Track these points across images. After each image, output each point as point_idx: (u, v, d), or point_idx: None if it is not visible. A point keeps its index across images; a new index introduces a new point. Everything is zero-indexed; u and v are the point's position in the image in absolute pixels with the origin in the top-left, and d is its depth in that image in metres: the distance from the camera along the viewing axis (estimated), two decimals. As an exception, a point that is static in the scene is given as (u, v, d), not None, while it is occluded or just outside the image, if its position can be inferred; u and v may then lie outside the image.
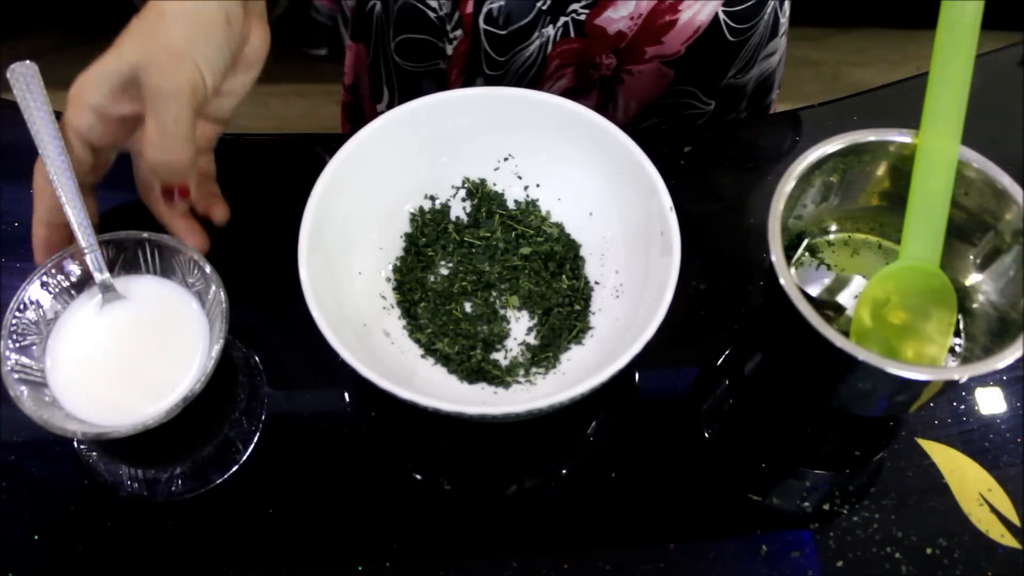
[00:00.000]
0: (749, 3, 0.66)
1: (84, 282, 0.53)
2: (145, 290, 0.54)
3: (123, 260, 0.54)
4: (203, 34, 0.48)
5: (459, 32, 0.66)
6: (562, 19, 0.65)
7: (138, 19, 0.49)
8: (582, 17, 0.65)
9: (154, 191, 0.53)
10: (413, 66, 0.70)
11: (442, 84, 0.71)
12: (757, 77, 0.73)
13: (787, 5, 0.71)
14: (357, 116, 0.82)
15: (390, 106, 0.75)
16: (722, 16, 0.66)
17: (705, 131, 0.67)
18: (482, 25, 0.64)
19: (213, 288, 0.52)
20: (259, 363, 0.56)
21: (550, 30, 0.65)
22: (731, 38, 0.67)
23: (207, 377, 0.49)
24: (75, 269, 0.53)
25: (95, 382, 0.51)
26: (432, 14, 0.65)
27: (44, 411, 0.48)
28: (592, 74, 0.69)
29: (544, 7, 0.64)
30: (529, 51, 0.67)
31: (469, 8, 0.64)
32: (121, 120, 0.50)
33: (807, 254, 0.56)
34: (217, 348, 0.50)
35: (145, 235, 0.53)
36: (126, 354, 0.52)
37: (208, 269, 0.52)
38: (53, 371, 0.51)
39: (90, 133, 0.50)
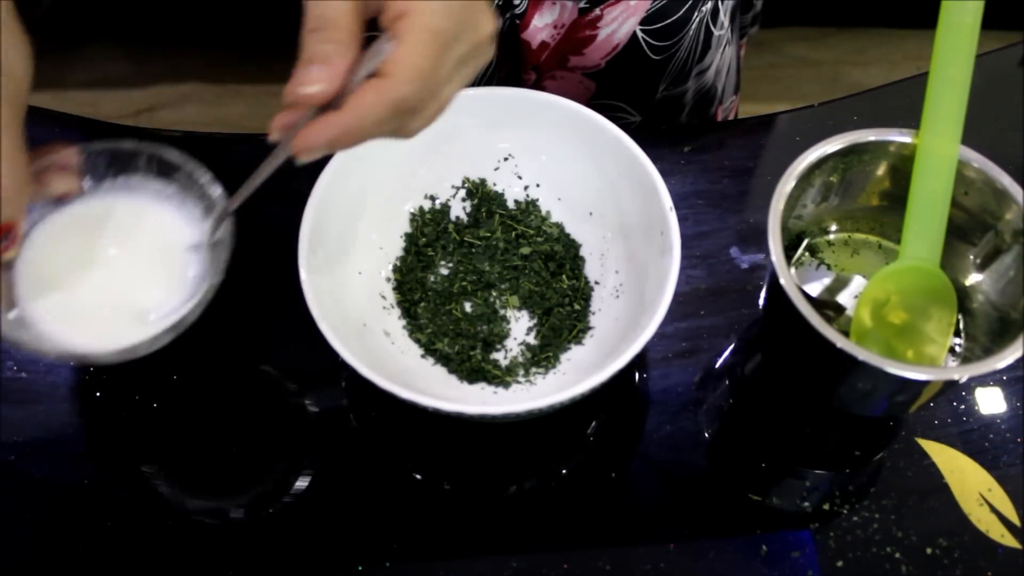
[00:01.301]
0: (669, 22, 0.66)
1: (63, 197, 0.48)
2: (136, 207, 0.49)
3: (115, 172, 0.49)
4: (14, 50, 0.42)
5: None
6: (508, 14, 0.65)
7: None
8: (516, 22, 0.66)
9: None
10: None
11: None
12: (695, 89, 0.73)
13: (724, 19, 0.71)
14: None
15: None
16: (640, 34, 0.66)
17: (705, 131, 0.67)
18: None
19: (217, 210, 0.47)
20: (259, 363, 0.56)
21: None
22: (653, 55, 0.68)
23: (200, 306, 0.45)
24: (55, 182, 0.47)
25: (75, 303, 0.46)
26: None
27: (15, 332, 0.44)
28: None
29: (500, 3, 0.64)
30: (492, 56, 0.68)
31: None
32: None
33: (807, 254, 0.56)
34: (216, 275, 0.45)
35: (143, 145, 0.48)
36: (109, 274, 0.48)
37: (216, 192, 0.47)
38: (27, 291, 0.46)
39: None
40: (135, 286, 0.48)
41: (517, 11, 0.65)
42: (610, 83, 0.70)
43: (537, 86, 0.71)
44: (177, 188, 0.49)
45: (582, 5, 0.65)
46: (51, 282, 0.47)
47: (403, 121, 0.40)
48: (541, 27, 0.66)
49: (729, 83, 0.78)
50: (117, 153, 0.48)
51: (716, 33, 0.70)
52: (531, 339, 0.56)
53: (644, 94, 0.71)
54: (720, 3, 0.69)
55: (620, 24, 0.65)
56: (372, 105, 0.39)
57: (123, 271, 0.48)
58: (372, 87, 0.39)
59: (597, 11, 0.65)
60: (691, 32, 0.68)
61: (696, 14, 0.67)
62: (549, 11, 0.65)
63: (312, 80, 0.38)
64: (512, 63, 0.70)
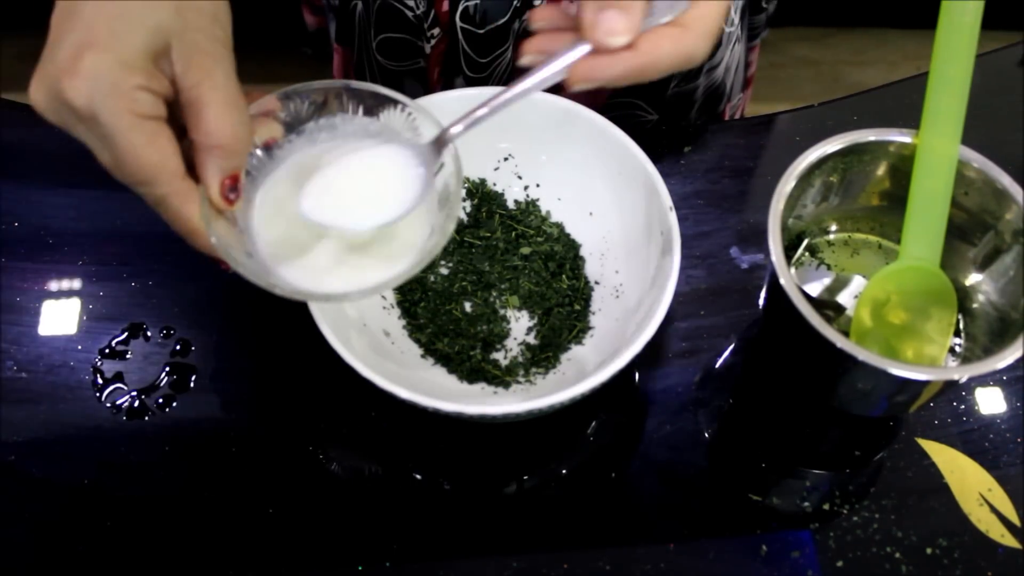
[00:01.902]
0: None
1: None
2: (348, 147, 0.47)
3: (316, 114, 0.47)
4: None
5: (437, 30, 0.66)
6: (526, 15, 0.65)
7: None
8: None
9: (191, 204, 0.40)
10: (395, 65, 0.70)
11: (424, 83, 0.71)
12: (706, 86, 0.73)
13: (735, 16, 0.71)
14: None
15: None
16: None
17: (705, 131, 0.67)
18: (459, 23, 0.65)
19: (436, 138, 0.45)
20: (259, 363, 0.56)
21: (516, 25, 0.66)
22: None
23: (442, 242, 0.43)
24: (260, 129, 0.44)
25: (310, 249, 0.45)
26: (409, 13, 0.66)
27: (265, 276, 0.42)
28: None
29: (519, 4, 0.64)
30: (509, 55, 0.67)
31: (445, 6, 0.64)
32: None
33: (807, 254, 0.56)
34: (454, 205, 0.43)
35: (341, 82, 0.46)
36: (339, 216, 0.45)
37: (426, 121, 0.45)
38: (261, 241, 0.44)
39: (158, 109, 0.39)
40: (369, 226, 0.45)
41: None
42: None
43: (556, 85, 0.71)
44: (383, 122, 0.47)
45: None
46: (283, 231, 0.45)
47: (679, 70, 0.43)
48: None
49: (737, 81, 0.78)
50: (316, 94, 0.46)
51: (727, 30, 0.70)
52: (531, 339, 0.56)
53: (656, 91, 0.71)
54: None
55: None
56: (667, 53, 0.41)
57: (353, 212, 0.45)
58: (669, 36, 0.41)
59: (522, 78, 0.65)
60: None
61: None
62: (567, 9, 0.65)
63: (617, 30, 0.40)
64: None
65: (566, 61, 0.41)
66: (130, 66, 0.37)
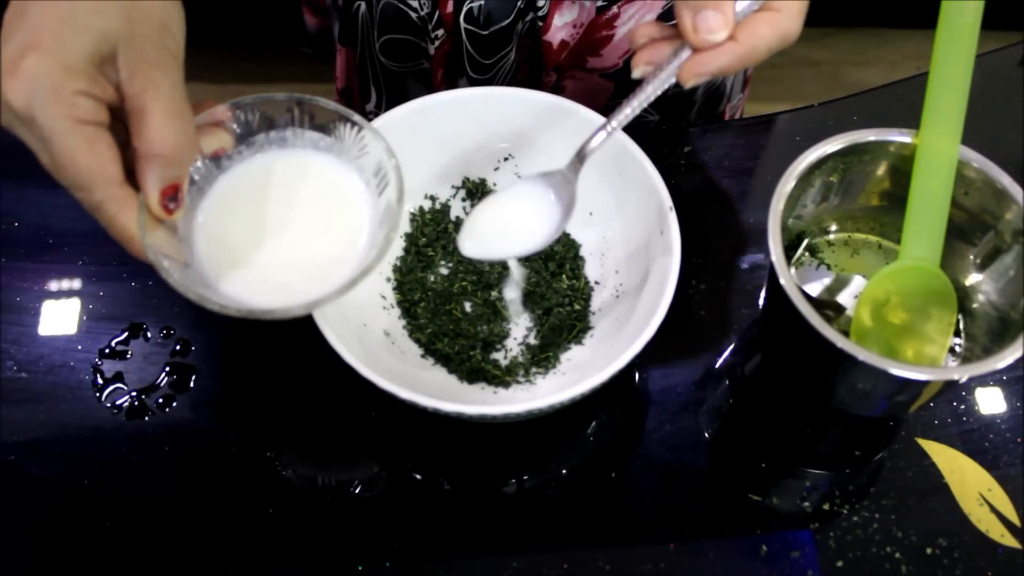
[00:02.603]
0: None
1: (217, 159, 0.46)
2: (296, 160, 0.47)
3: (268, 126, 0.47)
4: (172, 5, 0.42)
5: (441, 32, 0.66)
6: (530, 15, 0.66)
7: None
8: (539, 24, 0.66)
9: (128, 211, 0.40)
10: (398, 66, 0.70)
11: (427, 84, 0.71)
12: (706, 86, 0.73)
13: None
14: None
15: (378, 106, 0.75)
16: None
17: (705, 131, 0.67)
18: (463, 24, 0.65)
19: (381, 158, 0.45)
20: (259, 363, 0.56)
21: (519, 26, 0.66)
22: None
23: (381, 255, 0.43)
24: (208, 139, 0.45)
25: (250, 260, 0.45)
26: (413, 14, 0.66)
27: (198, 287, 0.42)
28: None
29: (522, 5, 0.64)
30: (513, 57, 0.68)
31: (449, 7, 0.64)
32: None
33: (807, 254, 0.56)
34: (393, 221, 0.43)
35: (294, 96, 0.46)
36: (281, 230, 0.46)
37: (374, 139, 0.46)
38: (200, 250, 0.44)
39: (99, 114, 0.39)
40: (309, 241, 0.46)
41: (540, 13, 0.65)
42: (628, 82, 0.70)
43: (557, 87, 0.71)
44: (333, 138, 0.47)
45: (600, 3, 0.65)
46: (224, 241, 0.45)
47: (779, 50, 0.46)
48: (561, 26, 0.66)
49: (737, 81, 0.79)
50: (268, 106, 0.46)
51: None
52: (531, 339, 0.56)
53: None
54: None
55: (638, 21, 0.66)
56: (764, 36, 0.44)
57: (294, 226, 0.46)
58: (765, 21, 0.44)
59: (614, 9, 0.65)
60: None
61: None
62: (569, 10, 0.65)
63: (716, 28, 0.43)
64: (532, 65, 0.70)
65: (676, 64, 0.45)
66: (72, 70, 0.37)
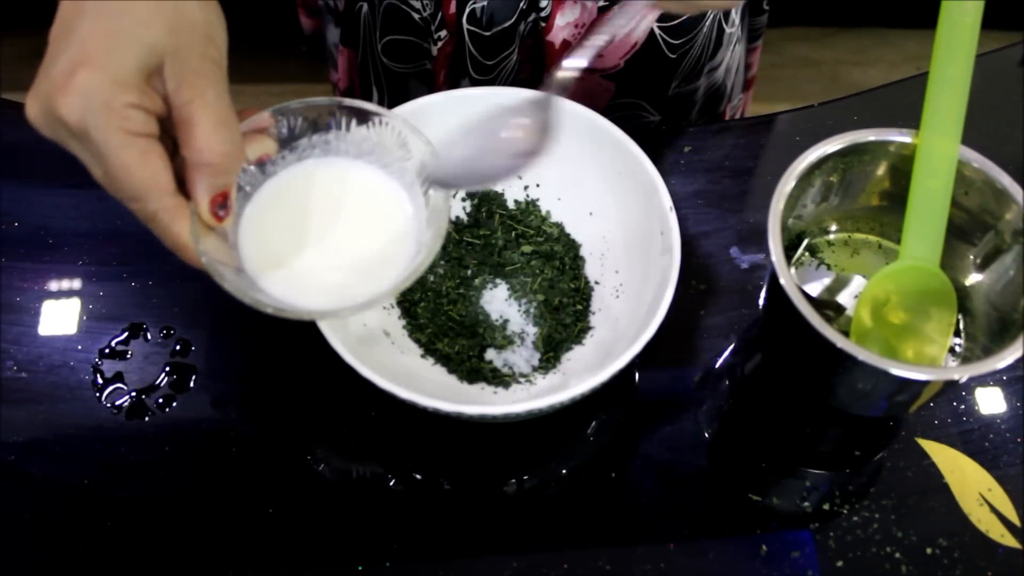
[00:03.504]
0: (684, 18, 0.66)
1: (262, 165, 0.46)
2: (339, 166, 0.48)
3: (311, 131, 0.47)
4: (215, 13, 0.42)
5: (443, 33, 0.66)
6: (532, 16, 0.66)
7: None
8: (541, 25, 0.66)
9: (181, 220, 0.40)
10: (400, 67, 0.70)
11: (430, 85, 0.71)
12: (706, 87, 0.73)
13: (735, 16, 0.71)
14: None
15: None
16: (658, 32, 0.67)
17: (705, 131, 0.67)
18: (465, 25, 0.65)
19: (425, 158, 0.45)
20: (259, 363, 0.56)
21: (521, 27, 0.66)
22: (669, 53, 0.68)
23: (428, 259, 0.43)
24: (253, 146, 0.45)
25: (297, 266, 0.45)
26: (416, 15, 0.66)
27: (252, 292, 0.42)
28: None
29: (525, 6, 0.64)
30: (515, 58, 0.68)
31: (452, 8, 0.64)
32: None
33: (807, 254, 0.56)
34: (441, 223, 0.43)
35: (336, 100, 0.47)
36: (326, 236, 0.46)
37: (416, 140, 0.46)
38: (250, 257, 0.45)
39: (149, 126, 0.39)
40: (353, 244, 0.46)
41: (542, 14, 0.65)
42: (629, 83, 0.70)
43: (562, 90, 0.71)
44: (376, 141, 0.48)
45: (601, 4, 0.65)
46: (269, 246, 0.45)
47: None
48: (563, 26, 0.66)
49: (738, 81, 0.79)
50: (310, 111, 0.47)
51: (728, 31, 0.70)
52: (531, 339, 0.56)
53: (658, 92, 0.71)
54: None
55: (638, 23, 0.66)
56: None
57: (338, 230, 0.47)
58: None
59: (615, 10, 0.65)
60: (705, 29, 0.68)
61: (710, 11, 0.67)
62: (571, 10, 0.65)
63: None
64: (534, 65, 0.70)
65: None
66: (122, 84, 0.38)
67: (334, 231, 0.46)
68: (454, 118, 0.57)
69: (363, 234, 0.47)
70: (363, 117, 0.47)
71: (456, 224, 0.60)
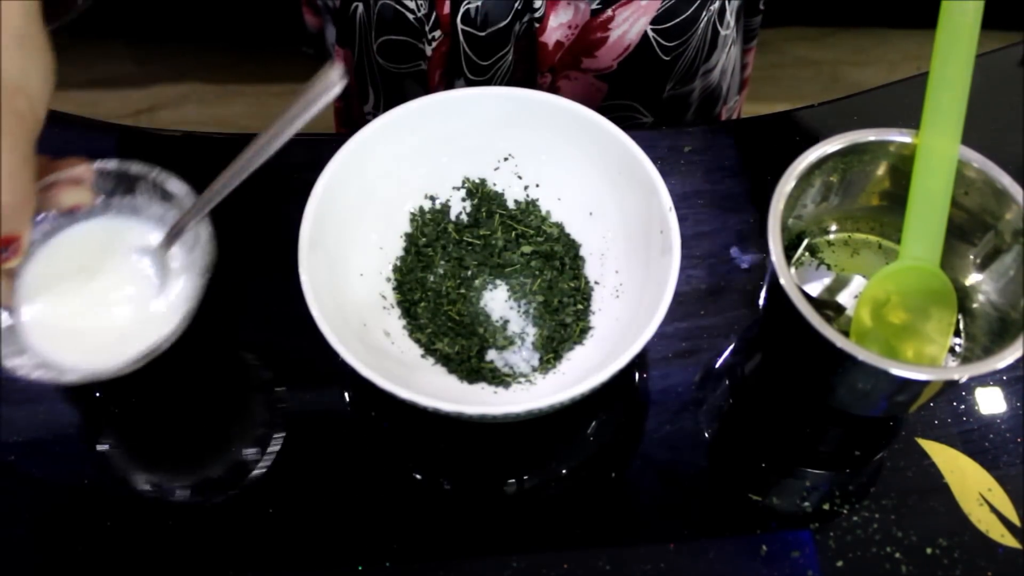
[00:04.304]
0: (678, 20, 0.67)
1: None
2: (134, 228, 0.51)
3: (123, 192, 0.50)
4: (32, 62, 0.43)
5: (438, 33, 0.66)
6: (526, 17, 0.66)
7: None
8: (535, 25, 0.66)
9: None
10: (395, 68, 0.71)
11: (425, 86, 0.71)
12: (702, 89, 0.73)
13: (730, 18, 0.71)
14: (350, 120, 0.82)
15: (376, 108, 0.75)
16: (651, 34, 0.67)
17: (705, 131, 0.67)
18: (460, 26, 0.65)
19: (191, 222, 0.48)
20: (260, 363, 0.56)
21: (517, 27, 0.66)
22: (663, 56, 0.68)
23: (174, 334, 0.46)
24: (66, 194, 0.48)
25: (61, 317, 0.48)
26: (410, 15, 0.66)
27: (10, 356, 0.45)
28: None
29: (519, 7, 0.64)
30: (510, 58, 0.68)
31: (446, 9, 0.64)
32: None
33: (807, 254, 0.56)
34: (191, 301, 0.46)
35: (148, 170, 0.49)
36: (95, 292, 0.49)
37: (174, 189, 0.49)
38: (24, 299, 0.48)
39: None
40: (117, 307, 0.49)
41: (536, 15, 0.65)
42: (622, 84, 0.70)
43: (552, 87, 0.71)
44: (175, 215, 0.50)
45: (594, 6, 0.65)
46: (45, 294, 0.48)
47: None
48: (556, 27, 0.66)
49: (733, 83, 0.79)
50: (125, 174, 0.49)
51: (723, 33, 0.71)
52: (531, 339, 0.56)
53: (652, 94, 0.71)
54: (727, 3, 0.69)
55: (632, 24, 0.66)
56: None
57: (109, 291, 0.49)
58: None
59: (609, 12, 0.65)
60: (699, 31, 0.68)
61: (704, 13, 0.67)
62: (564, 11, 0.65)
63: None
64: (528, 65, 0.70)
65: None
66: None
67: (93, 292, 0.49)
68: (453, 119, 0.57)
69: (116, 299, 0.49)
70: (169, 187, 0.50)
71: (456, 224, 0.60)
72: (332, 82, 0.44)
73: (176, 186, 0.49)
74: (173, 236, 0.49)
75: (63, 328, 0.48)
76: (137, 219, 0.51)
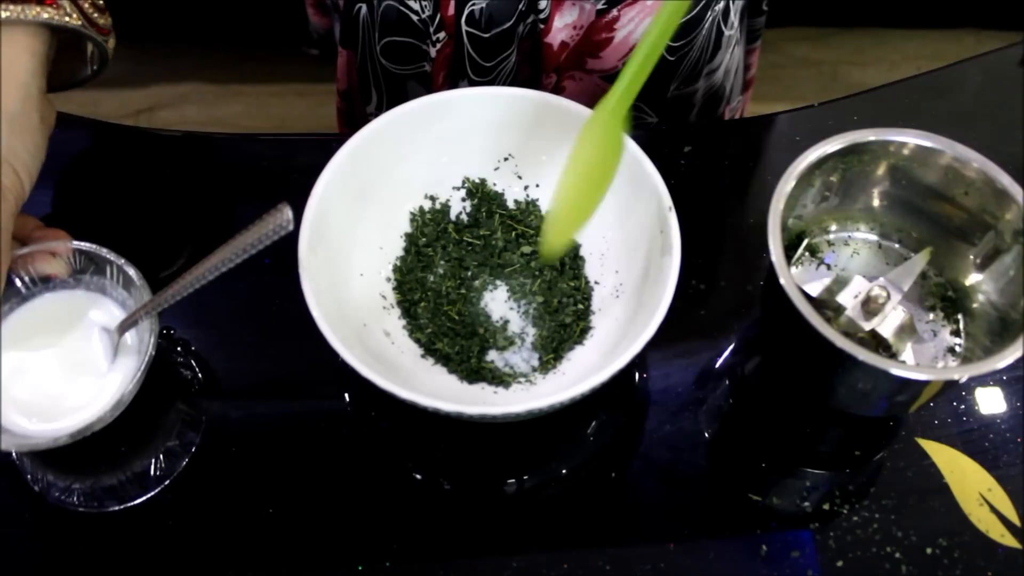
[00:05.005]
0: (683, 20, 0.66)
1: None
2: (95, 306, 0.53)
3: (93, 271, 0.52)
4: (20, 141, 0.48)
5: (442, 34, 0.66)
6: (531, 18, 0.66)
7: None
8: (540, 26, 0.66)
9: None
10: (399, 69, 0.71)
11: (428, 87, 0.71)
12: (705, 89, 0.73)
13: (734, 19, 0.71)
14: (353, 121, 0.82)
15: (379, 108, 0.75)
16: None
17: (706, 131, 0.67)
18: (464, 27, 0.65)
19: (138, 302, 0.50)
20: (260, 363, 0.56)
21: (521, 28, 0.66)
22: (668, 56, 0.68)
23: (119, 406, 0.47)
24: (42, 264, 0.52)
25: (19, 383, 0.50)
26: (415, 16, 0.66)
27: None
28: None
29: (524, 7, 0.64)
30: (514, 59, 0.68)
31: (451, 10, 0.64)
32: None
33: (807, 254, 0.56)
34: (135, 377, 0.48)
35: (113, 257, 0.51)
36: (51, 364, 0.51)
37: (135, 278, 0.51)
38: None
39: None
40: (67, 379, 0.51)
41: (541, 15, 0.65)
42: None
43: (556, 88, 0.71)
44: (135, 302, 0.52)
45: (600, 7, 0.65)
46: (9, 359, 0.50)
47: None
48: (561, 27, 0.66)
49: (737, 83, 0.79)
50: (97, 255, 0.51)
51: (727, 33, 0.70)
52: (531, 339, 0.56)
53: (656, 94, 0.71)
54: (731, 3, 0.69)
55: (637, 25, 0.66)
56: None
57: (63, 361, 0.51)
58: None
59: (614, 12, 0.65)
60: (704, 31, 0.68)
61: (709, 13, 0.67)
62: (569, 11, 0.65)
63: None
64: (532, 66, 0.70)
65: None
66: None
67: (45, 361, 0.51)
68: (454, 119, 0.57)
69: (73, 373, 0.51)
70: (129, 277, 0.51)
71: (456, 224, 0.60)
72: (283, 223, 0.46)
73: (135, 276, 0.51)
74: (126, 325, 0.51)
75: (12, 392, 0.50)
76: (104, 297, 0.53)
